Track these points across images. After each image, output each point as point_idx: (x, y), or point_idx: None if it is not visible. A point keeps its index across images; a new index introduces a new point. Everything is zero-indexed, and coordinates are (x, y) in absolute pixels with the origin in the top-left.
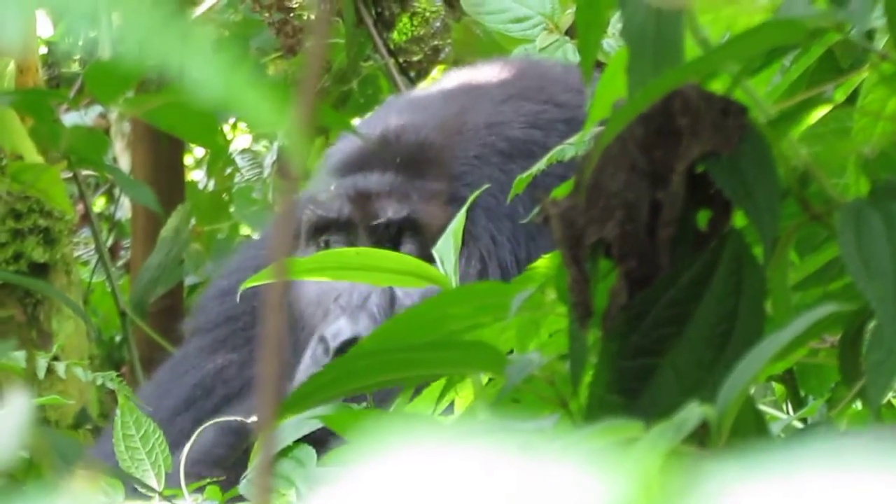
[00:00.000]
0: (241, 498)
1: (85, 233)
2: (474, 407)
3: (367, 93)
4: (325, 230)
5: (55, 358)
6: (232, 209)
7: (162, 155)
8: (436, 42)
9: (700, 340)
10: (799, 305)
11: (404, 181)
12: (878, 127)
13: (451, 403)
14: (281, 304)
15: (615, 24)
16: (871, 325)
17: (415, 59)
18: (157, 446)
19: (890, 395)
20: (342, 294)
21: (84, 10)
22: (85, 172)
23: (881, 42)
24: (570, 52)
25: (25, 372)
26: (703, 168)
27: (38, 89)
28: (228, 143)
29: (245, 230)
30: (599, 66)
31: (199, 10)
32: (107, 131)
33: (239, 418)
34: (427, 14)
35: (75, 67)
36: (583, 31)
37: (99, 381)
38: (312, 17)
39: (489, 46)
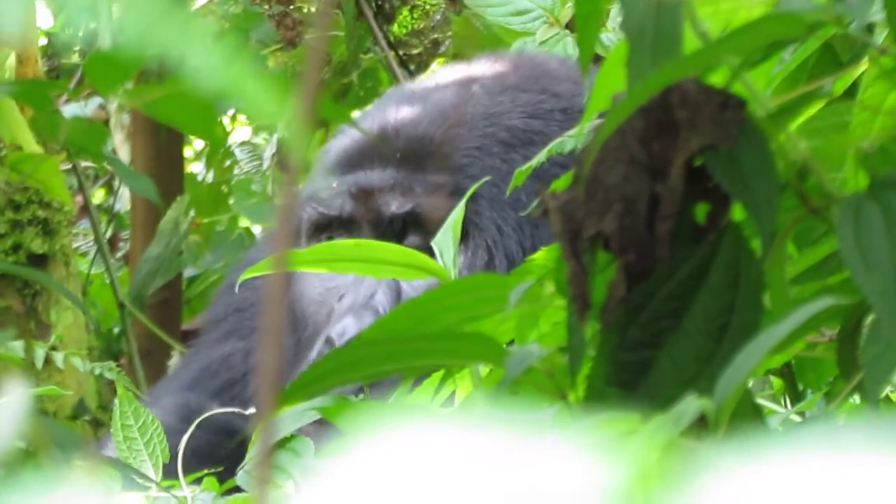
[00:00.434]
0: (237, 489)
1: (84, 224)
2: (473, 398)
3: (366, 85)
4: (327, 228)
5: (53, 348)
6: (231, 201)
7: (161, 147)
8: (436, 35)
9: (698, 333)
10: (797, 299)
11: (406, 175)
12: (877, 121)
13: (451, 395)
14: (281, 294)
15: (615, 17)
16: (870, 318)
17: (415, 52)
18: (154, 437)
19: (888, 389)
20: (347, 292)
21: (84, 1)
22: (84, 164)
23: (881, 36)
24: (570, 46)
25: (24, 362)
26: (701, 161)
27: (37, 80)
28: (227, 135)
29: (244, 222)
30: (597, 59)
31: (199, 2)
32: (106, 122)
33: (234, 410)
34: (427, 7)
35: (75, 58)
36: (581, 23)
37: (97, 372)
38: (312, 9)
39: (489, 40)
